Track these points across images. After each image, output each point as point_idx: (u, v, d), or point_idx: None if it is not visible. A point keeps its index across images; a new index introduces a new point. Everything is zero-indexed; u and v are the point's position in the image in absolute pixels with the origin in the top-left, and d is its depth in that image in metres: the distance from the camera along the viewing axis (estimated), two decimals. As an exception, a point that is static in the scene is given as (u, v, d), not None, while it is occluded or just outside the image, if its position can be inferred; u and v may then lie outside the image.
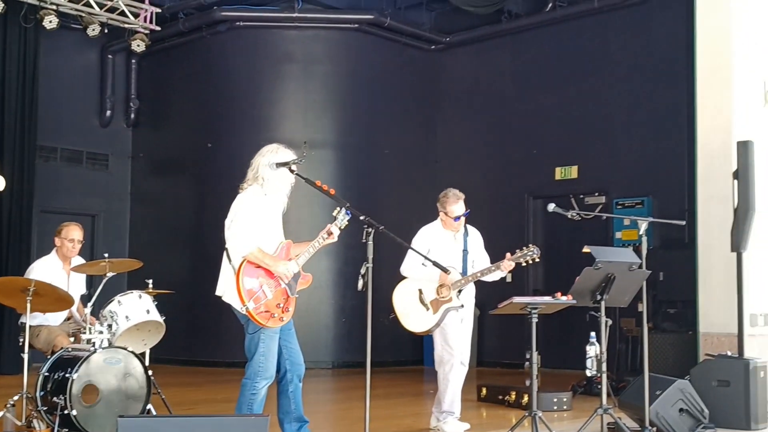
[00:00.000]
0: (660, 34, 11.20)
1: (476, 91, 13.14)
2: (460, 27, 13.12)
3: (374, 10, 12.50)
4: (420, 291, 6.21)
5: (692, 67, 8.69)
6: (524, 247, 6.14)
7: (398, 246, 5.44)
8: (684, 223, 6.88)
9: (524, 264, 6.17)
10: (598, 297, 5.72)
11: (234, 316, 5.08)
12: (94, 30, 10.99)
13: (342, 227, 5.08)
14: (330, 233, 5.06)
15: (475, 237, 6.50)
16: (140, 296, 6.41)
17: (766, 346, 8.18)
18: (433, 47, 13.38)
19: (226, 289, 5.01)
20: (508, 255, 6.12)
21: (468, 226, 6.47)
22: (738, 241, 7.48)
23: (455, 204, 6.29)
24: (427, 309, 6.18)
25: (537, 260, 6.16)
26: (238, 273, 4.90)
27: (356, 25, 12.46)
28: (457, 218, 6.29)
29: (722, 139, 8.27)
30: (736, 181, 7.55)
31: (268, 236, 5.04)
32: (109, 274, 6.31)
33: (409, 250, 5.99)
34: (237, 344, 5.30)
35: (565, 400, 7.81)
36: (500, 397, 8.17)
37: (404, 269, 6.29)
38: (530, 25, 12.52)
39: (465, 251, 6.38)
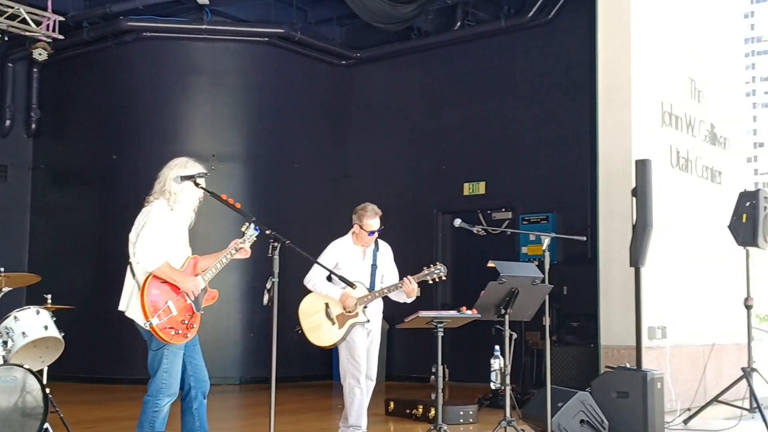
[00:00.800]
0: (564, 54, 11.50)
1: (386, 106, 13.24)
2: (370, 43, 13.21)
3: (285, 23, 12.47)
4: (326, 305, 6.20)
5: (594, 87, 8.96)
6: (431, 265, 6.20)
7: (307, 260, 5.42)
8: (584, 238, 7.06)
9: (431, 282, 6.22)
10: (503, 311, 5.82)
11: (137, 331, 4.97)
12: (-7, 37, 10.65)
13: (251, 243, 5.04)
14: (239, 249, 5.02)
15: (385, 252, 6.53)
16: (38, 312, 6.22)
17: (663, 358, 8.47)
18: (343, 62, 13.43)
19: (129, 304, 4.91)
20: (408, 277, 6.16)
21: (378, 240, 6.50)
22: (636, 256, 7.72)
23: (372, 219, 6.31)
24: (333, 323, 6.18)
25: (444, 278, 6.22)
26: (143, 288, 4.80)
27: (266, 39, 12.40)
28: (371, 233, 6.31)
29: (622, 157, 8.55)
30: (634, 199, 7.80)
31: (174, 251, 4.96)
32: (5, 289, 6.12)
33: (315, 263, 5.99)
34: (141, 361, 5.18)
35: (471, 413, 7.91)
36: (408, 410, 8.22)
37: (307, 282, 6.27)
38: (439, 42, 12.71)
39: (374, 266, 6.40)
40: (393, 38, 12.82)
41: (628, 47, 8.74)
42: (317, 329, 6.19)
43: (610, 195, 8.60)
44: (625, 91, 8.69)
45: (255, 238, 5.03)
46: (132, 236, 4.94)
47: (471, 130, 12.34)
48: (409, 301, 6.27)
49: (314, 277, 6.23)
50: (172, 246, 4.95)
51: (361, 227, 6.31)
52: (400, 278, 6.31)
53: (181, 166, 5.06)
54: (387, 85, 13.31)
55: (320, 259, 6.22)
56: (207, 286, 5.04)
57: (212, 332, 11.59)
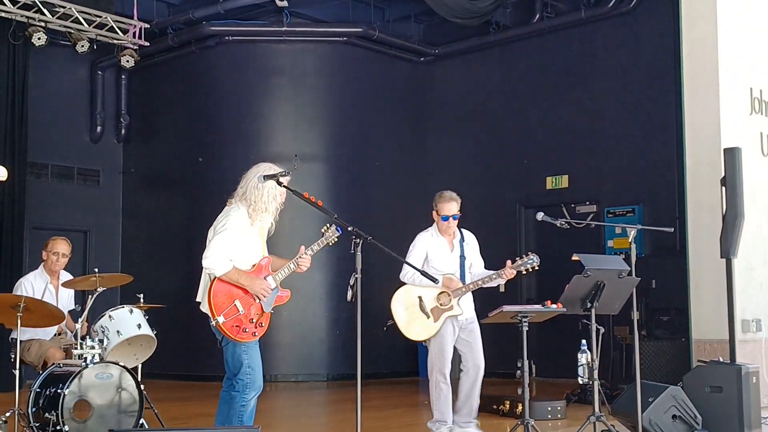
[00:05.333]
0: (647, 44, 11.26)
1: (466, 102, 13.19)
2: (448, 39, 13.17)
3: (363, 23, 12.54)
4: (420, 298, 6.15)
5: (679, 76, 8.73)
6: (524, 255, 6.12)
7: (390, 256, 5.43)
8: (672, 230, 6.88)
9: (524, 272, 6.14)
10: (588, 305, 5.73)
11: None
12: (83, 46, 10.99)
13: (331, 243, 5.08)
14: (299, 264, 5.02)
15: (472, 242, 6.46)
16: (131, 311, 6.42)
17: (758, 351, 8.21)
18: (422, 59, 13.42)
19: (203, 298, 4.99)
20: (508, 263, 6.09)
21: (464, 230, 6.45)
22: (727, 247, 7.50)
23: (448, 203, 6.26)
24: (428, 317, 6.15)
25: (537, 268, 6.13)
26: (210, 286, 4.87)
27: (345, 38, 12.50)
28: (446, 218, 6.26)
29: (710, 146, 8.32)
30: (724, 188, 7.58)
31: (247, 254, 5.00)
32: (100, 289, 6.32)
33: (407, 259, 6.00)
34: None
35: (559, 408, 7.83)
36: (495, 406, 8.19)
37: (404, 277, 6.25)
38: (518, 36, 12.58)
39: (462, 257, 6.34)
40: (471, 33, 12.76)
41: (714, 32, 8.49)
42: (412, 323, 6.15)
43: (698, 185, 8.38)
44: (712, 78, 8.45)
45: (336, 239, 5.06)
46: (210, 234, 5.02)
47: (552, 123, 12.18)
48: (502, 281, 6.16)
49: (409, 270, 6.14)
50: (245, 249, 4.98)
51: (437, 213, 6.29)
52: (487, 269, 6.28)
53: (264, 169, 5.13)
54: (466, 81, 13.25)
55: (410, 251, 6.22)
56: (279, 286, 5.07)
57: (299, 330, 11.77)
